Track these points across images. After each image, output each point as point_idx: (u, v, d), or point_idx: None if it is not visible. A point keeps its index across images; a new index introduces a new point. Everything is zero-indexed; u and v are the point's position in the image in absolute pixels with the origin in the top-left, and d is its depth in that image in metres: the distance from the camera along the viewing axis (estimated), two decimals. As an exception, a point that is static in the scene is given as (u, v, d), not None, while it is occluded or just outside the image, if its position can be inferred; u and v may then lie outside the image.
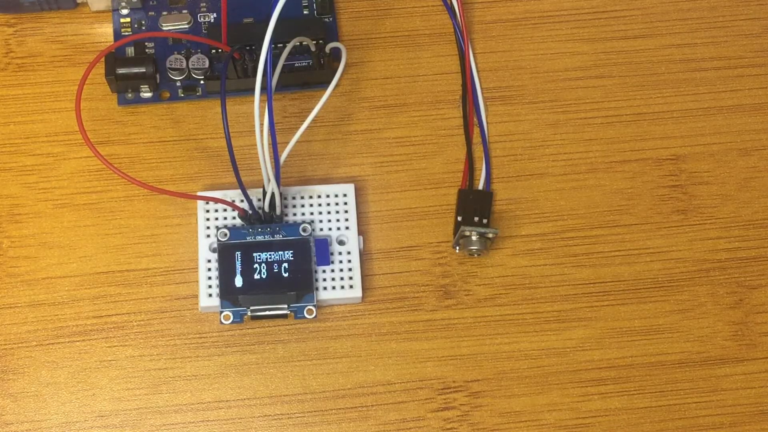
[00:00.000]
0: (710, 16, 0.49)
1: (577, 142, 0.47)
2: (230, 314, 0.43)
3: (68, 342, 0.44)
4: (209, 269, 0.44)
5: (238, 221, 0.44)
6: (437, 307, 0.44)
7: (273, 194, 0.43)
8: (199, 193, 0.45)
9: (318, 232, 0.44)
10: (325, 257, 0.44)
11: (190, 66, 0.46)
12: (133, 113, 0.47)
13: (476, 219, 0.45)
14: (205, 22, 0.48)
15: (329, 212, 0.45)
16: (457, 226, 0.45)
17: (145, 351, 0.44)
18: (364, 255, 0.45)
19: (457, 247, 0.45)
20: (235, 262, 0.43)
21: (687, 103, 0.48)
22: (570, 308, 0.45)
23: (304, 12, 0.48)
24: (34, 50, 0.48)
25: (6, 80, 0.47)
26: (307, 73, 0.47)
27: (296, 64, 0.47)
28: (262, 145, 0.41)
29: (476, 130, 0.47)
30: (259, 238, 0.44)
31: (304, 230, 0.44)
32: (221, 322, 0.43)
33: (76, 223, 0.45)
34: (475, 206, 0.45)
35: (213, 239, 0.44)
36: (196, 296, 0.44)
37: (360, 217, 0.45)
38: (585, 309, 0.45)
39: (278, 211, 0.44)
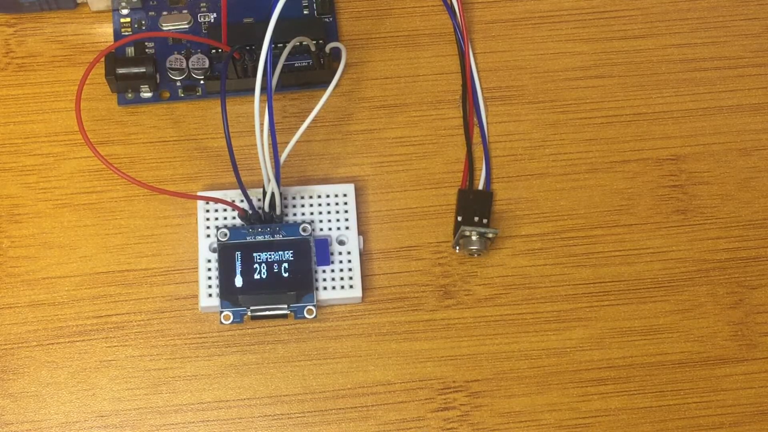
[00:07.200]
0: (710, 16, 0.49)
1: (577, 142, 0.47)
2: (230, 314, 0.43)
3: (68, 342, 0.44)
4: (209, 269, 0.44)
5: (238, 221, 0.44)
6: (437, 307, 0.44)
7: (273, 194, 0.43)
8: (199, 193, 0.45)
9: (318, 232, 0.44)
10: (325, 257, 0.44)
11: (190, 66, 0.46)
12: (133, 113, 0.47)
13: (476, 219, 0.45)
14: (205, 22, 0.48)
15: (329, 212, 0.45)
16: (457, 226, 0.45)
17: (145, 351, 0.44)
18: (364, 255, 0.45)
19: (457, 247, 0.45)
20: (235, 262, 0.43)
21: (687, 103, 0.48)
22: (570, 308, 0.45)
23: (304, 12, 0.48)
24: (34, 50, 0.48)
25: (6, 80, 0.47)
26: (307, 73, 0.47)
27: (296, 64, 0.47)
28: (262, 145, 0.41)
29: (476, 130, 0.47)
30: (259, 238, 0.44)
31: (304, 230, 0.44)
32: (221, 322, 0.43)
33: (76, 223, 0.45)
34: (475, 206, 0.45)
35: (213, 239, 0.44)
36: (196, 296, 0.44)
37: (360, 217, 0.45)
38: (585, 309, 0.45)
39: (278, 211, 0.44)
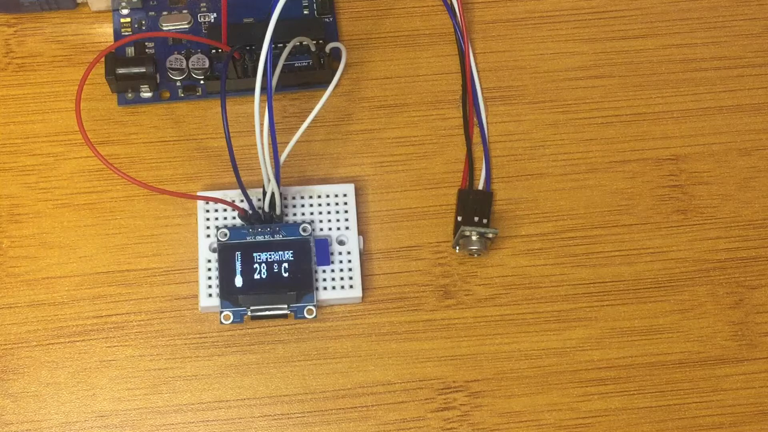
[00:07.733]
0: (710, 16, 0.49)
1: (577, 142, 0.47)
2: (230, 314, 0.43)
3: (68, 342, 0.44)
4: (209, 269, 0.44)
5: (238, 221, 0.44)
6: (437, 307, 0.44)
7: (273, 194, 0.43)
8: (199, 193, 0.45)
9: (318, 232, 0.44)
10: (325, 257, 0.44)
11: (190, 66, 0.46)
12: (133, 113, 0.47)
13: (476, 219, 0.45)
14: (205, 22, 0.48)
15: (329, 212, 0.45)
16: (457, 226, 0.45)
17: (145, 351, 0.44)
18: (364, 255, 0.45)
19: (457, 247, 0.45)
20: (235, 262, 0.43)
21: (687, 103, 0.48)
22: (570, 308, 0.45)
23: (304, 12, 0.48)
24: (34, 50, 0.48)
25: (6, 80, 0.47)
26: (307, 73, 0.47)
27: (296, 64, 0.47)
28: (262, 145, 0.41)
29: (476, 130, 0.47)
30: (259, 238, 0.44)
31: (304, 230, 0.44)
32: (221, 322, 0.43)
33: (76, 223, 0.45)
34: (475, 206, 0.45)
35: (213, 239, 0.44)
36: (196, 296, 0.44)
37: (360, 217, 0.45)
38: (585, 309, 0.45)
39: (278, 211, 0.44)
